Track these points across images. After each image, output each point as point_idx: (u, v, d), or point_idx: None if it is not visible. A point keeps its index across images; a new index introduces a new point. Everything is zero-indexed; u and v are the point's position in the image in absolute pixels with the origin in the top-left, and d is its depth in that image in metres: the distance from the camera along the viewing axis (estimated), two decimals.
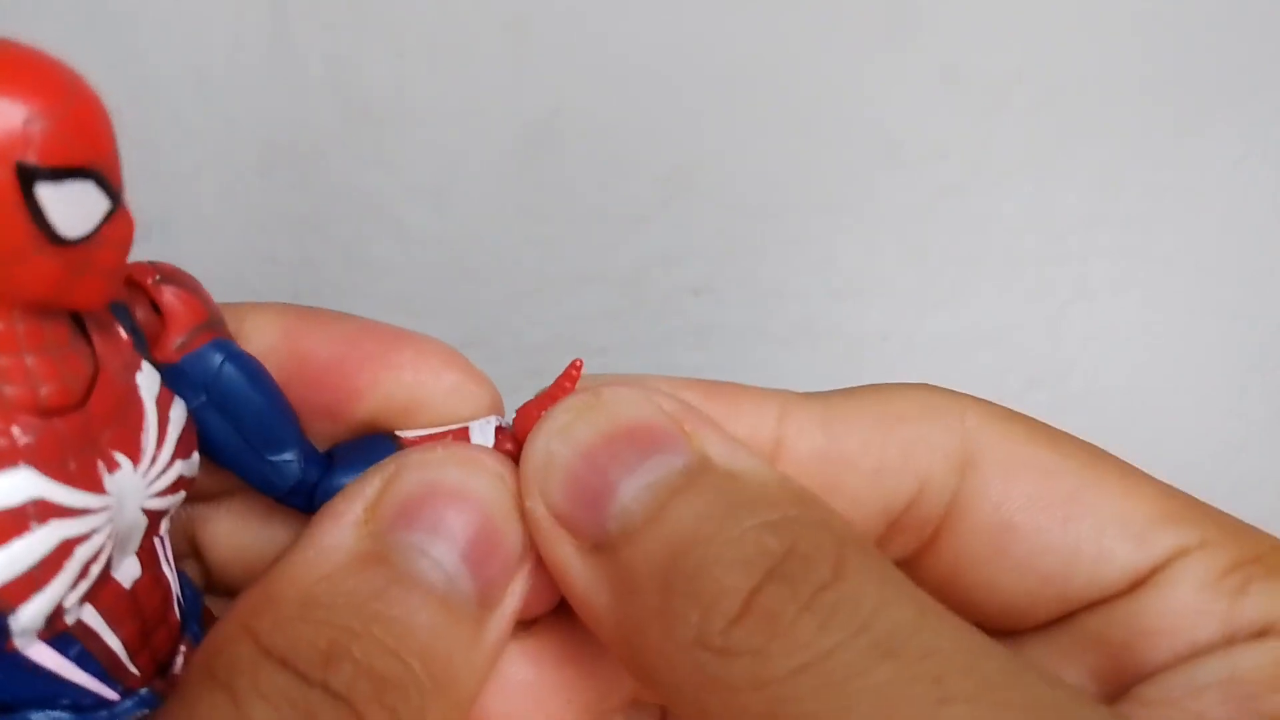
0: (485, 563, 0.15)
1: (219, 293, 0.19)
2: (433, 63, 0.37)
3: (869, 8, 0.37)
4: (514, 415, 0.18)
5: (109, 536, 0.14)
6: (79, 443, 0.13)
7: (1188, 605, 0.17)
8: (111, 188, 0.12)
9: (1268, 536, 0.18)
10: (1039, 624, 0.19)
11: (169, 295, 0.16)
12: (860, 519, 0.19)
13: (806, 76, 0.38)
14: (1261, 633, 0.17)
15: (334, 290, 0.40)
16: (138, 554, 0.15)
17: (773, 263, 0.40)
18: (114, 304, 0.15)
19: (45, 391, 0.13)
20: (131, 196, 0.13)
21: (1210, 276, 0.42)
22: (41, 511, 0.12)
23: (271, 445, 0.17)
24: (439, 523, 0.15)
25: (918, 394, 0.19)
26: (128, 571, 0.15)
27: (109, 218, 0.12)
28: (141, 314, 0.16)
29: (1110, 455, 0.19)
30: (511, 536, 0.16)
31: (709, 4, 0.37)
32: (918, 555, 0.19)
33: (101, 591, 0.14)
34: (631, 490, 0.16)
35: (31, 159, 0.11)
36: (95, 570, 0.13)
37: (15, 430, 0.12)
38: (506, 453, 0.17)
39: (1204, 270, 0.42)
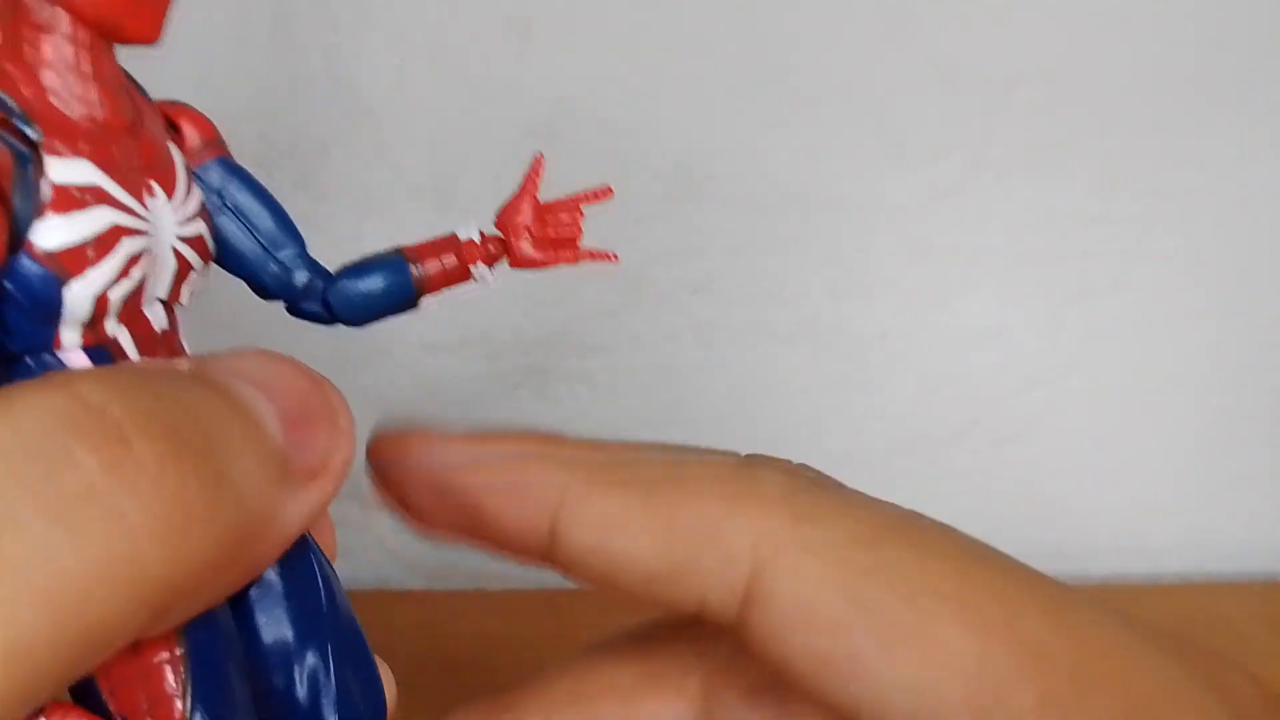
0: (300, 434, 0.15)
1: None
2: (434, 60, 0.37)
3: (871, 7, 0.37)
4: (495, 217, 0.21)
5: (149, 249, 0.16)
6: (127, 162, 0.16)
7: None
8: None
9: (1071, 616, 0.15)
10: None
11: (186, 118, 0.19)
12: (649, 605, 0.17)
13: (808, 75, 0.38)
14: None
15: None
16: (165, 306, 0.17)
17: (774, 261, 0.40)
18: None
19: (102, 114, 0.16)
20: None
21: (1209, 276, 0.42)
22: (97, 197, 0.15)
23: (278, 244, 0.20)
24: (270, 387, 0.15)
25: (712, 506, 0.17)
26: (157, 317, 0.17)
27: None
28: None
29: (931, 562, 0.16)
30: (322, 436, 0.15)
31: (711, 3, 0.37)
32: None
33: (136, 322, 0.17)
34: None
35: None
36: (136, 274, 0.16)
37: (80, 137, 0.16)
38: (492, 254, 0.21)
39: (1203, 269, 0.42)
